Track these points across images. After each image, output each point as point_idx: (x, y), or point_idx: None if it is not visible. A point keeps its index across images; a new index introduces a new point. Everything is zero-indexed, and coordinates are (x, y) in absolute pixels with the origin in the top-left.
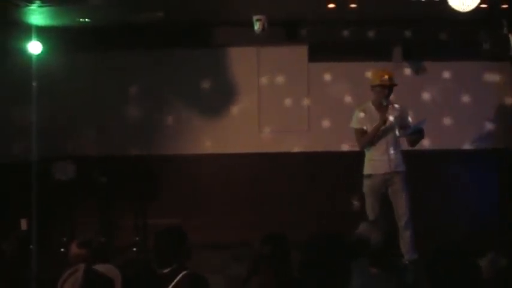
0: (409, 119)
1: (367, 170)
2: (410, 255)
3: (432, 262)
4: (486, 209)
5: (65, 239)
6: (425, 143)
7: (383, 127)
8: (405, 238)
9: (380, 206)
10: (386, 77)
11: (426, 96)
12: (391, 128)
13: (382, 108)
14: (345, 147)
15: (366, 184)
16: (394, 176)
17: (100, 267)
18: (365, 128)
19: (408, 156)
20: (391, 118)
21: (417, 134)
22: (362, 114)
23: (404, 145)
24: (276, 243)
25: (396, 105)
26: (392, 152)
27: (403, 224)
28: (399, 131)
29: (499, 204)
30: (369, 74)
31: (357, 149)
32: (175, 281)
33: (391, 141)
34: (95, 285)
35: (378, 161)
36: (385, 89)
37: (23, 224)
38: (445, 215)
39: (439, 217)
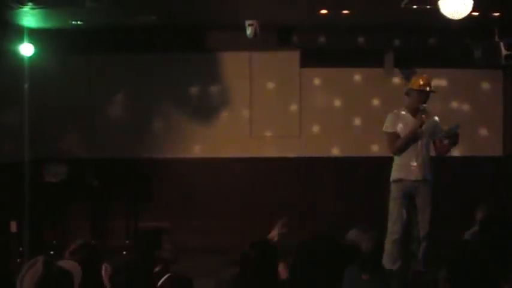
0: (439, 127)
1: (397, 174)
2: (421, 266)
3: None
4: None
5: (55, 242)
6: None
7: (418, 131)
8: (422, 249)
9: (407, 212)
10: (428, 84)
11: None
12: (424, 134)
13: (419, 112)
14: (336, 153)
15: (395, 189)
16: (422, 184)
17: (62, 263)
18: (398, 132)
19: None
20: (424, 125)
21: (453, 137)
22: (396, 119)
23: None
24: (263, 248)
25: (429, 112)
26: (423, 158)
27: (424, 234)
28: (431, 138)
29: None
30: (361, 80)
31: (348, 154)
32: (159, 283)
33: (424, 147)
34: (54, 277)
35: (409, 167)
36: (424, 94)
37: (13, 227)
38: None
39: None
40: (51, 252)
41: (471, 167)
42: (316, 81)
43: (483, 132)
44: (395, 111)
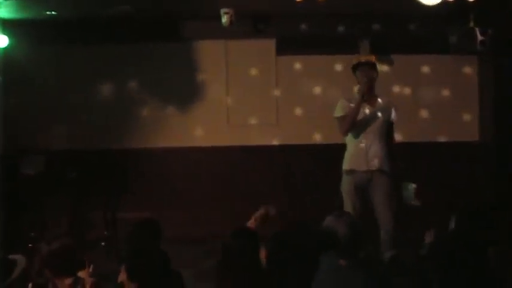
0: (394, 113)
1: (348, 165)
2: (391, 252)
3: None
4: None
5: (33, 234)
6: (397, 137)
7: (367, 115)
8: (385, 240)
9: (362, 205)
10: (364, 57)
11: (395, 89)
12: (375, 119)
13: (364, 85)
14: (314, 140)
15: (346, 181)
16: (378, 175)
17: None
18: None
19: None
20: (379, 113)
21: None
22: (346, 103)
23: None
24: (245, 237)
25: (382, 98)
26: (377, 146)
27: (386, 232)
28: (387, 124)
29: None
30: (338, 67)
31: (326, 141)
32: None
33: (378, 133)
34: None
35: (361, 156)
36: (364, 69)
37: None
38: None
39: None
40: (30, 245)
41: (448, 152)
42: (293, 69)
43: (460, 117)
44: (344, 97)
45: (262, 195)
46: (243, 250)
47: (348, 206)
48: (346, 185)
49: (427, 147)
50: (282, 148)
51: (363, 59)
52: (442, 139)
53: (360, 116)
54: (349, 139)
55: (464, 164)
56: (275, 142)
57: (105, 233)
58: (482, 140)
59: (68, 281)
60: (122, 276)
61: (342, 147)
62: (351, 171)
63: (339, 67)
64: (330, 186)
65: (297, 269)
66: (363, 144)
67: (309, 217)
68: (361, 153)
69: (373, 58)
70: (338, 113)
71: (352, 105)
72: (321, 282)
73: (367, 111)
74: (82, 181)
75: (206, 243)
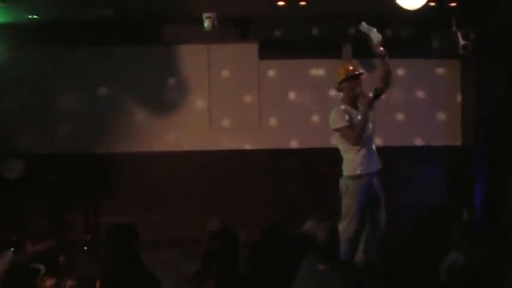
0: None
1: (356, 169)
2: (375, 256)
3: (388, 263)
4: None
5: (14, 238)
6: (377, 141)
7: (359, 120)
8: (377, 240)
9: (368, 208)
10: (351, 68)
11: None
12: (370, 121)
13: (361, 96)
14: (295, 144)
15: (353, 185)
16: (377, 175)
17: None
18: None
19: None
20: (372, 117)
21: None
22: (342, 113)
23: None
24: (224, 239)
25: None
26: (373, 149)
27: (382, 226)
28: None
29: (450, 201)
30: (320, 71)
31: (307, 146)
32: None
33: (371, 137)
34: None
35: (367, 158)
36: (353, 79)
37: None
38: (397, 213)
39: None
40: (12, 249)
41: (429, 156)
42: (275, 73)
43: (441, 122)
44: (336, 106)
45: (242, 199)
46: (222, 251)
47: (352, 210)
48: (355, 190)
49: (409, 152)
50: (263, 152)
51: (351, 71)
52: (423, 143)
53: (356, 122)
54: (345, 145)
55: (445, 168)
56: (256, 146)
57: (87, 236)
58: (464, 144)
59: (50, 282)
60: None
61: (323, 152)
62: (358, 176)
63: (321, 71)
64: (310, 191)
65: (277, 273)
66: (364, 149)
67: (289, 221)
68: (364, 157)
69: (359, 69)
70: (339, 123)
71: (342, 112)
72: (299, 285)
73: (359, 117)
74: (62, 185)
75: (186, 247)
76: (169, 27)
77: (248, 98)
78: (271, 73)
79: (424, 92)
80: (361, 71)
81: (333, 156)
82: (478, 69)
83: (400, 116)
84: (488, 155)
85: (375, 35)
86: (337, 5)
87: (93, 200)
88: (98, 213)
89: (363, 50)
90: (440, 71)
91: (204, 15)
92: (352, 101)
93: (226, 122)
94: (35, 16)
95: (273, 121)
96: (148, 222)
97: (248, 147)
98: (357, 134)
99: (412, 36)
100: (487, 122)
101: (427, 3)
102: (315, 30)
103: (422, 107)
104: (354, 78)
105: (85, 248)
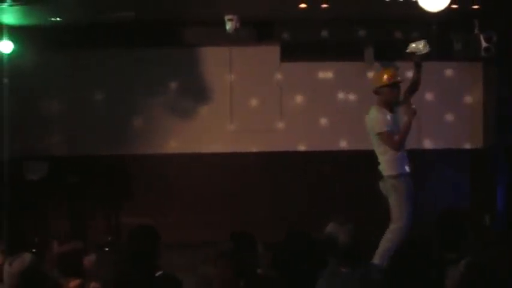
0: None
1: (398, 168)
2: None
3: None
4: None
5: (37, 239)
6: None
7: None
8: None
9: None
10: (393, 74)
11: None
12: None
13: (403, 103)
14: (319, 147)
15: (401, 184)
16: (410, 177)
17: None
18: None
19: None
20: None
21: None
22: (382, 115)
23: None
24: (239, 241)
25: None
26: (405, 151)
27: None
28: None
29: (470, 205)
30: (342, 74)
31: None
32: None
33: (404, 140)
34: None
35: (403, 159)
36: (395, 87)
37: None
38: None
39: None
40: (33, 250)
41: (451, 159)
42: (297, 75)
43: (463, 124)
44: (377, 108)
45: (262, 202)
46: (235, 253)
47: (408, 209)
48: (404, 188)
49: (425, 154)
50: (283, 155)
51: (394, 78)
52: (444, 146)
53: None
54: (384, 146)
55: (467, 171)
56: (277, 149)
57: (109, 238)
58: (486, 146)
59: (75, 283)
60: None
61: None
62: (403, 175)
63: (343, 73)
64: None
65: (299, 275)
66: (404, 149)
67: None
68: (404, 156)
69: (398, 76)
70: (383, 127)
71: (383, 116)
72: None
73: (394, 121)
74: (84, 187)
75: (205, 249)
76: (191, 30)
77: (269, 101)
78: (293, 75)
79: (445, 94)
80: (401, 79)
81: (359, 159)
82: (499, 71)
83: (423, 118)
84: (511, 157)
85: (425, 47)
86: (359, 7)
87: (114, 201)
88: (119, 214)
89: (384, 53)
90: (462, 73)
91: (226, 17)
92: (390, 105)
93: (246, 125)
94: (57, 18)
95: (294, 124)
96: (168, 224)
97: (268, 149)
98: (398, 141)
99: (434, 38)
100: (509, 124)
101: (449, 5)
102: (336, 33)
103: (443, 109)
104: (395, 85)
105: (106, 249)
